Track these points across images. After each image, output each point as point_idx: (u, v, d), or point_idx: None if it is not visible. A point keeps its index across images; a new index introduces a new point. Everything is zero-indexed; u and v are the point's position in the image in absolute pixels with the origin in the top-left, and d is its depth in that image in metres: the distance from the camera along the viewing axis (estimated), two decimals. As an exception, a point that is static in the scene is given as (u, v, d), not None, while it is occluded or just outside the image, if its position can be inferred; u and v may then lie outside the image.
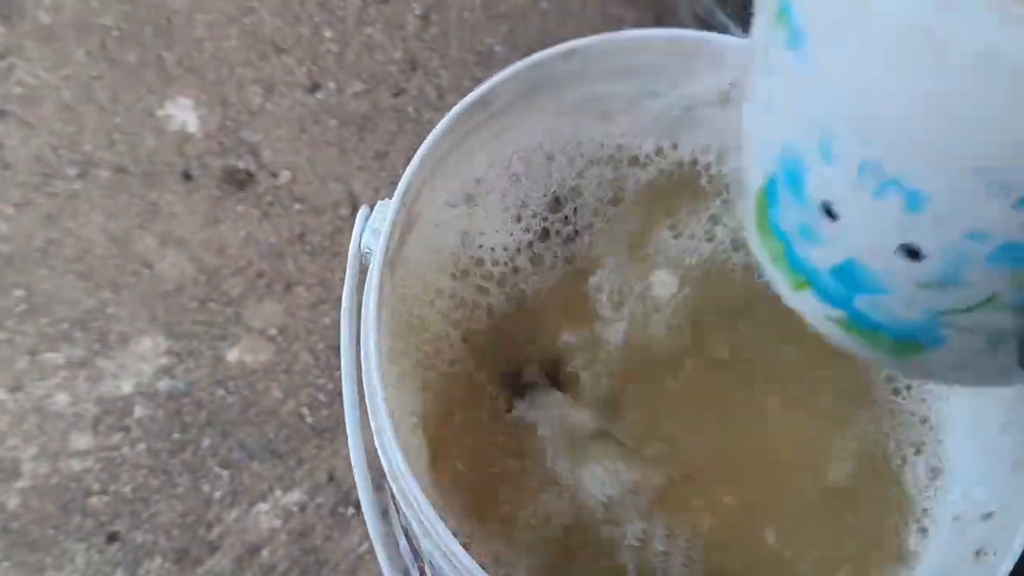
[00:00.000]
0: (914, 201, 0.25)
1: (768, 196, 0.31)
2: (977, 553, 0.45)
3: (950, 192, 0.25)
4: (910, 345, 0.30)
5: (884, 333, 0.30)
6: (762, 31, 0.29)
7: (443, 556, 0.38)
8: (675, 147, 0.54)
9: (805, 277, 0.30)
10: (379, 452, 0.41)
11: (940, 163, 0.25)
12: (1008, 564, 0.42)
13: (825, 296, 0.30)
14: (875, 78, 0.25)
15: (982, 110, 0.23)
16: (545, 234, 0.53)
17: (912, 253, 0.27)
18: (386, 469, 0.40)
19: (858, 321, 0.30)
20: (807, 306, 0.31)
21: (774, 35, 0.28)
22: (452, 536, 0.37)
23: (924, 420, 0.50)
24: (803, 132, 0.28)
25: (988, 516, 0.47)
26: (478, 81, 0.48)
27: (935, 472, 0.49)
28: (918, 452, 0.50)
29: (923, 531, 0.48)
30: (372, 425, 0.41)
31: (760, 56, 0.30)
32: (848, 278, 0.29)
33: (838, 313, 0.30)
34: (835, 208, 0.28)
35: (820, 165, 0.27)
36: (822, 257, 0.29)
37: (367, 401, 0.42)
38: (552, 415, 0.48)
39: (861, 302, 0.29)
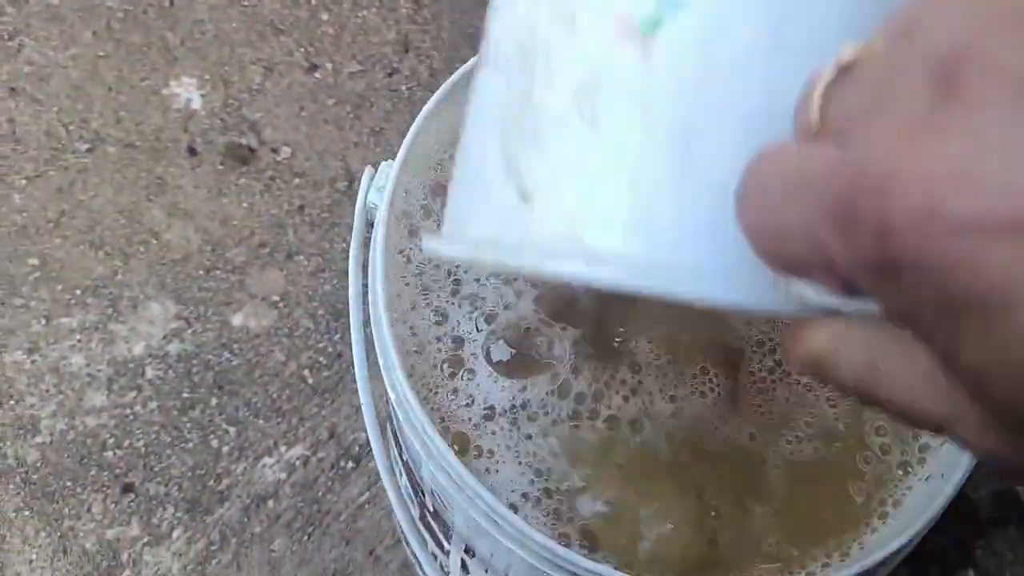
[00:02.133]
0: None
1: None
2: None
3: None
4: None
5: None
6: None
7: (443, 472, 0.43)
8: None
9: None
10: (386, 385, 0.45)
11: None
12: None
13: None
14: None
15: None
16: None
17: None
18: (392, 399, 0.45)
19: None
20: None
21: None
22: (452, 453, 0.41)
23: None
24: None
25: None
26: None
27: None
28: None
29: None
30: (380, 363, 0.45)
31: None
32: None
33: None
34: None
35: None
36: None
37: (375, 340, 0.46)
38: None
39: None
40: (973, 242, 0.15)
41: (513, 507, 0.46)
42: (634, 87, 0.26)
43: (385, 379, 0.45)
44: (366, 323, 0.49)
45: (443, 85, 0.50)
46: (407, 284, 0.50)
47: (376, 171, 0.52)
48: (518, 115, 0.28)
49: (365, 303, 0.50)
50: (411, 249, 0.51)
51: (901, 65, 0.18)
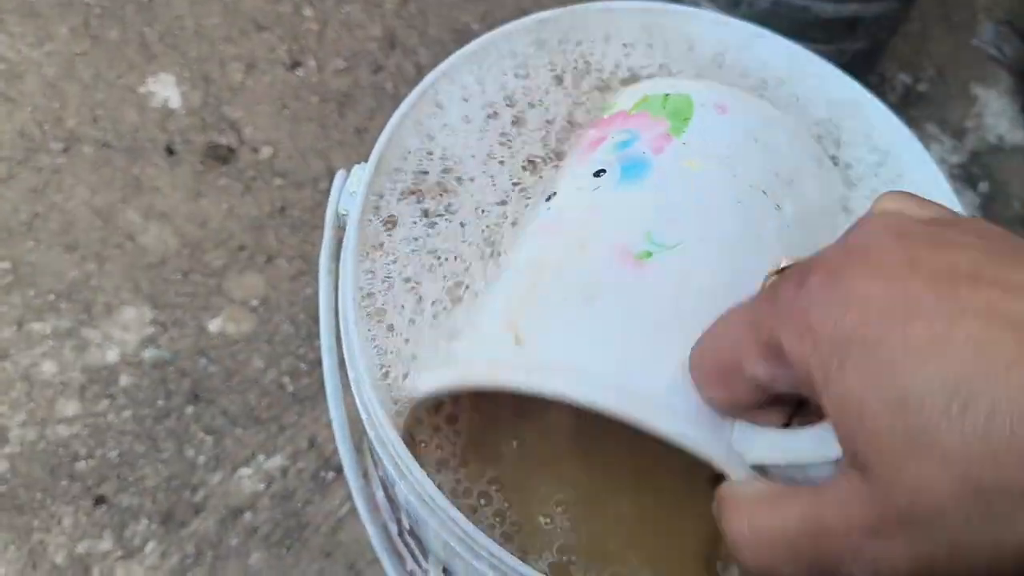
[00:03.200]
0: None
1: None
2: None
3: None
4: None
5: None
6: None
7: (418, 497, 0.41)
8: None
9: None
10: (357, 402, 0.43)
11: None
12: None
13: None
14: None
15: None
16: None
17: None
18: (363, 417, 0.43)
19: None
20: None
21: None
22: (424, 474, 0.39)
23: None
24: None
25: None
26: (454, 56, 0.50)
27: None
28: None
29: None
30: (350, 376, 0.43)
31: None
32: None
33: None
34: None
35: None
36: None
37: (345, 355, 0.44)
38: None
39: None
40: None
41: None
42: (625, 288, 0.34)
43: (356, 397, 0.43)
44: (337, 337, 0.47)
45: (415, 89, 0.48)
46: (374, 294, 0.48)
47: (349, 175, 0.49)
48: (523, 294, 0.36)
49: (337, 315, 0.48)
50: (383, 256, 0.48)
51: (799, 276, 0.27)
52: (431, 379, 0.37)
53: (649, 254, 0.35)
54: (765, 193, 0.37)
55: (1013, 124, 1.04)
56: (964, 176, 1.00)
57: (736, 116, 0.40)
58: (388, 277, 0.48)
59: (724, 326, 0.30)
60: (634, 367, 0.32)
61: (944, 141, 1.02)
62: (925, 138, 1.01)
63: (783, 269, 0.30)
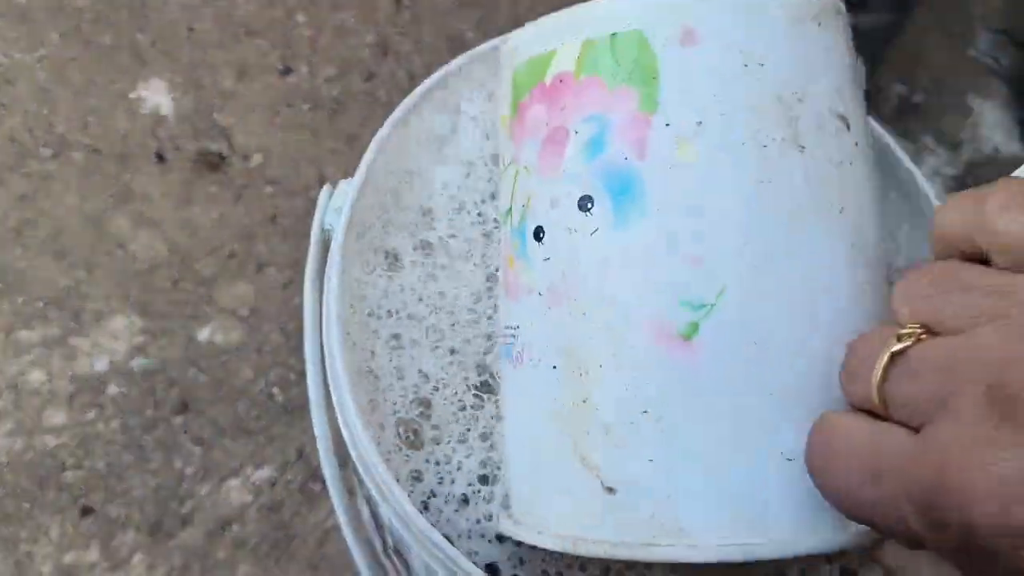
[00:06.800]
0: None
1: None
2: None
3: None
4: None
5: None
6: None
7: (399, 520, 0.40)
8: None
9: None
10: (340, 423, 0.43)
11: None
12: None
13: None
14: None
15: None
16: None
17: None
18: (346, 438, 0.42)
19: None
20: None
21: None
22: (407, 497, 0.38)
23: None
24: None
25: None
26: (447, 66, 0.50)
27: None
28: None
29: None
30: (333, 397, 0.43)
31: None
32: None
33: None
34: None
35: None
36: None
37: (328, 374, 0.43)
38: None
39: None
40: None
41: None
42: (686, 383, 0.29)
43: (339, 417, 0.42)
44: (323, 357, 0.46)
45: (405, 99, 0.47)
46: (369, 314, 0.47)
47: (335, 190, 0.49)
48: (580, 416, 0.31)
49: (322, 332, 0.48)
50: (369, 277, 0.48)
51: (957, 372, 0.21)
52: (531, 538, 0.33)
53: (695, 327, 0.29)
54: (781, 140, 0.29)
55: (1009, 135, 1.04)
56: (959, 188, 1.00)
57: (710, 40, 0.29)
58: (380, 297, 0.47)
59: (841, 449, 0.24)
60: (738, 488, 0.29)
61: (940, 153, 1.02)
62: (920, 149, 1.01)
63: (903, 336, 0.23)
